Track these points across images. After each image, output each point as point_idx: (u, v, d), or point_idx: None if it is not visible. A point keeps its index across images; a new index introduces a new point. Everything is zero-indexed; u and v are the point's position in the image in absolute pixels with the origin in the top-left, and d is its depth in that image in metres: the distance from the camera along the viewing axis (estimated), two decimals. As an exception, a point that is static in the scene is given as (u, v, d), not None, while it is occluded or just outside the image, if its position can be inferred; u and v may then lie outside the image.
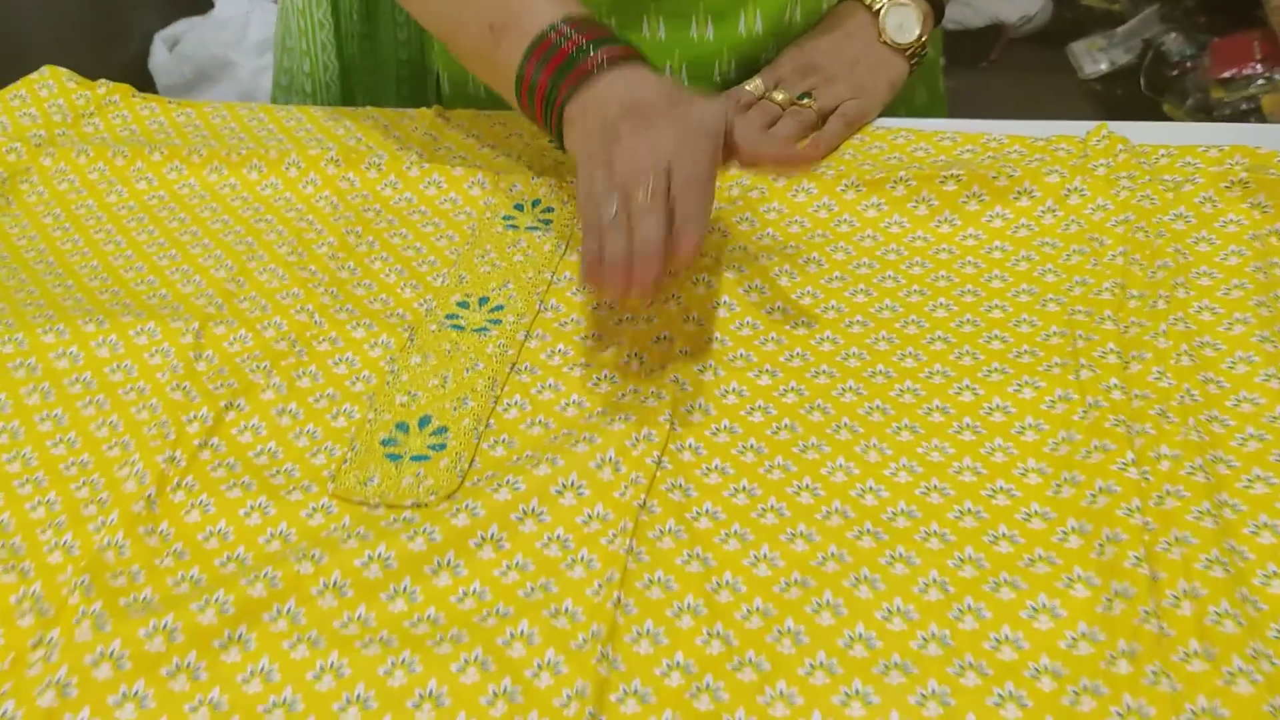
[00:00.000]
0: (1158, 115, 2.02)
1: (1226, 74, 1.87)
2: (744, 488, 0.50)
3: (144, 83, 2.04)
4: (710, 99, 0.58)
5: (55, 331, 0.60)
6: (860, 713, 0.41)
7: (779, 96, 0.72)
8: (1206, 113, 1.91)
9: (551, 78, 0.59)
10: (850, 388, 0.54)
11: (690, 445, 0.52)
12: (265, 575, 0.46)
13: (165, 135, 0.77)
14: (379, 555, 0.47)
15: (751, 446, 0.51)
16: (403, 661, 0.43)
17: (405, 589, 0.46)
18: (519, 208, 0.68)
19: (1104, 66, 2.15)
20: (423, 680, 0.43)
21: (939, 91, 0.86)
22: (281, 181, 0.72)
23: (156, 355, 0.58)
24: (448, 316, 0.60)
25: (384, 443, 0.53)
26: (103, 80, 0.82)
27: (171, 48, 2.13)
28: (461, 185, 0.70)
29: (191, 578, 0.47)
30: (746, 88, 0.73)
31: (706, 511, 0.49)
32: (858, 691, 0.41)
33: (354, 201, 0.70)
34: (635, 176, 0.53)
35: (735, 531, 0.48)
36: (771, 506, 0.49)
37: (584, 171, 0.56)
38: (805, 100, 0.72)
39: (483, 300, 0.61)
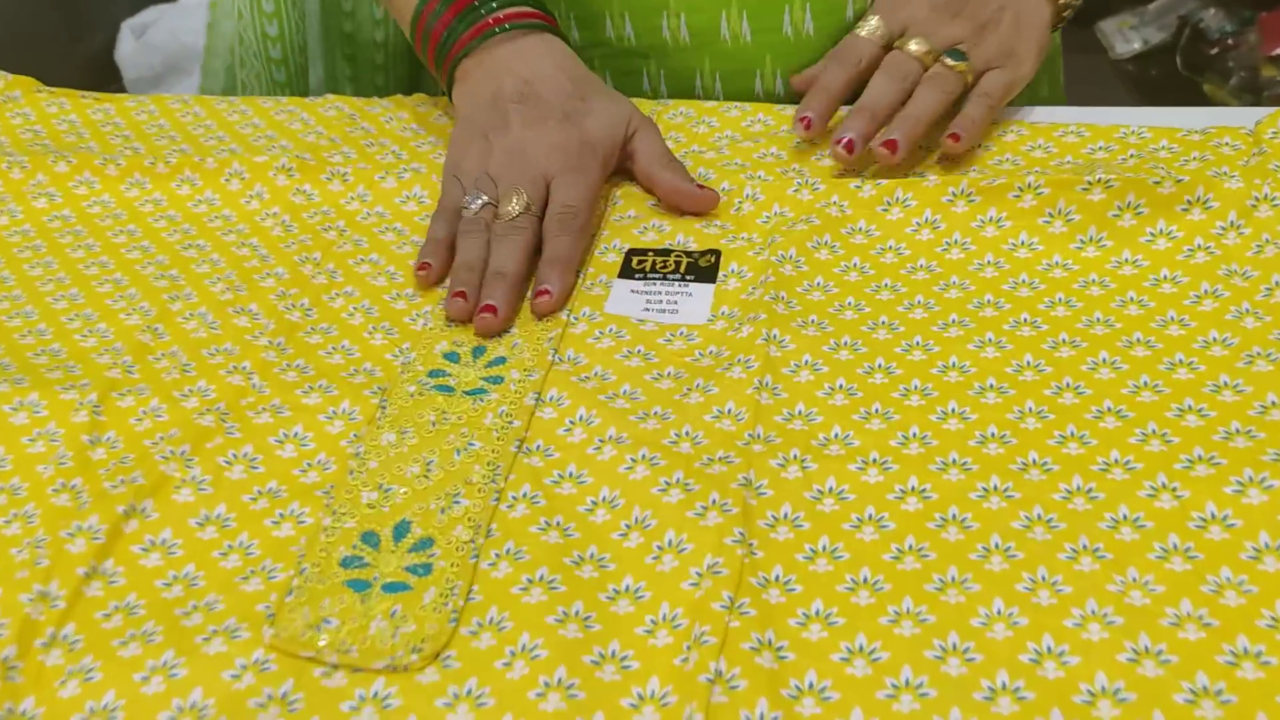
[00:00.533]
0: (1198, 97, 1.87)
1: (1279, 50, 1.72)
2: (864, 648, 0.35)
3: (110, 75, 1.89)
4: (614, 101, 0.55)
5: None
6: None
7: (916, 48, 0.53)
8: (1255, 93, 1.76)
9: (450, 26, 0.55)
10: (995, 487, 0.39)
11: (779, 578, 0.37)
12: None
13: (78, 137, 0.62)
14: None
15: (867, 582, 0.37)
16: None
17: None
18: (521, 224, 0.53)
19: (1137, 46, 2.01)
20: None
21: (1059, 84, 0.70)
22: (219, 196, 0.57)
23: (39, 442, 0.43)
24: (431, 374, 0.45)
25: (345, 563, 0.38)
26: (0, 73, 0.66)
27: (139, 36, 1.97)
28: (447, 196, 0.55)
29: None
30: (861, 33, 0.55)
31: (818, 687, 0.34)
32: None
33: (311, 220, 0.55)
34: (510, 180, 0.51)
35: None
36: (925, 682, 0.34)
37: (461, 135, 0.54)
38: (956, 63, 0.53)
39: (478, 351, 0.46)
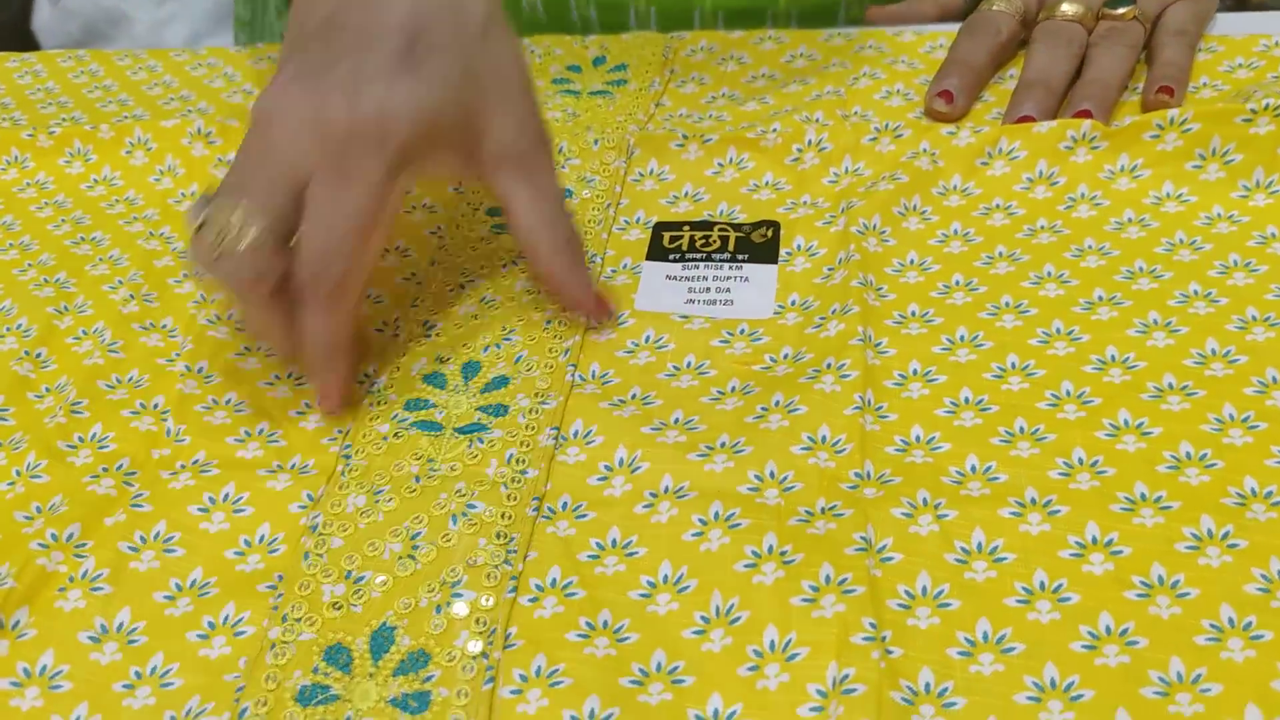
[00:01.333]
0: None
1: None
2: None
3: (27, 44, 1.73)
4: (504, 36, 0.33)
5: None
6: None
7: (1070, 9, 0.42)
8: None
9: None
10: (1210, 534, 0.28)
11: (932, 689, 0.26)
12: None
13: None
14: None
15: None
16: None
17: None
18: (513, 195, 0.41)
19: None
20: None
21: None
22: (120, 174, 0.44)
23: None
24: (410, 405, 0.33)
25: (303, 697, 0.26)
26: None
27: (56, 3, 1.81)
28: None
29: None
30: (994, 7, 0.44)
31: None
32: None
33: (239, 200, 0.42)
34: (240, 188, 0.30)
35: None
36: None
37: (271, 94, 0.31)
38: (1125, 9, 0.42)
39: (469, 368, 0.35)
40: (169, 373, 0.35)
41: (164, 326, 0.37)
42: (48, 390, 0.35)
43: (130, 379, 0.35)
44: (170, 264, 0.40)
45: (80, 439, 0.33)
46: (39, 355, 0.36)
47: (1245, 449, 0.29)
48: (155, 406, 0.34)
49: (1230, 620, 0.26)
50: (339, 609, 0.28)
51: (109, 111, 0.47)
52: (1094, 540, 0.28)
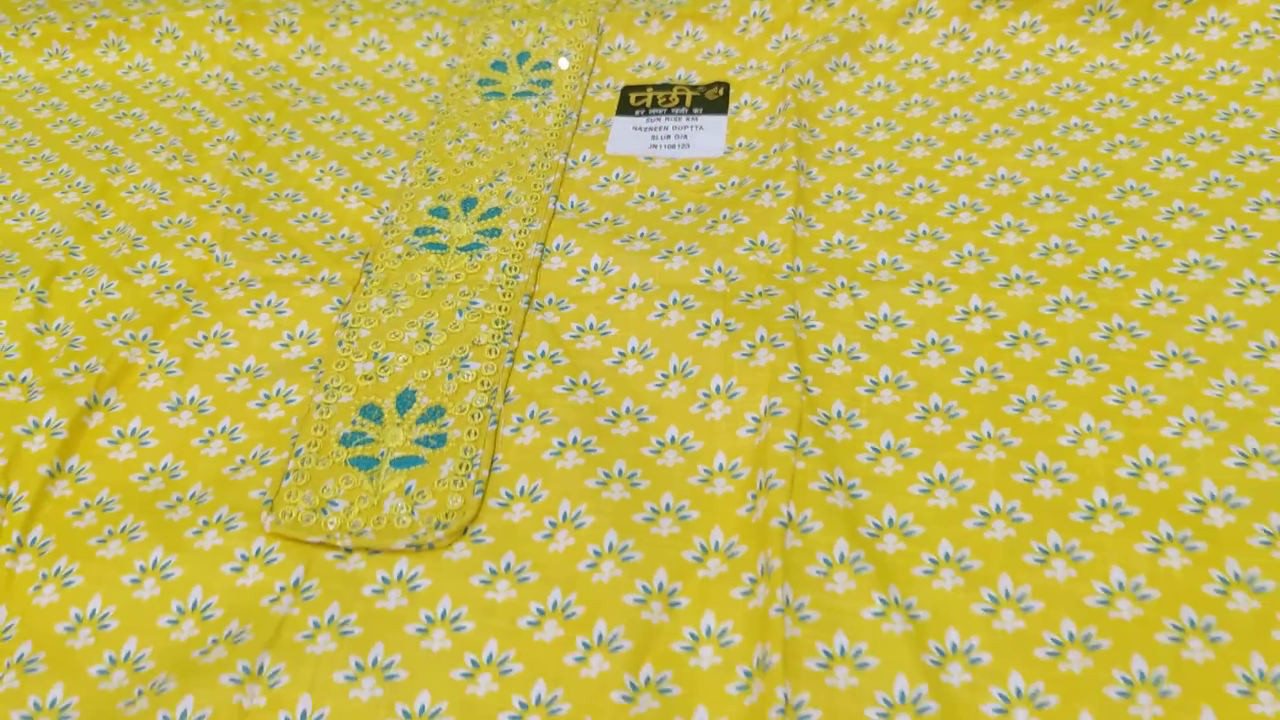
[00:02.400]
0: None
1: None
2: (945, 478, 0.31)
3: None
4: None
5: None
6: None
7: None
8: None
9: None
10: (1068, 299, 0.35)
11: (840, 414, 0.33)
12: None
13: (-18, 11, 0.54)
14: (375, 661, 0.28)
15: (939, 408, 0.33)
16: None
17: (422, 711, 0.27)
18: (500, 66, 0.47)
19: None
20: None
21: None
22: (152, 60, 0.50)
23: (-20, 332, 0.37)
24: (419, 231, 0.40)
25: (346, 440, 0.33)
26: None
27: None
28: (412, 43, 0.49)
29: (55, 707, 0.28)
30: None
31: (893, 522, 0.30)
32: None
33: (259, 77, 0.48)
34: None
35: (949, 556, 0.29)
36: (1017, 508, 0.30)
37: None
38: None
39: (468, 203, 0.41)
40: (212, 214, 0.42)
41: (204, 180, 0.43)
42: (109, 233, 0.42)
43: (180, 220, 0.42)
44: (204, 131, 0.46)
45: (143, 266, 0.39)
46: (99, 205, 0.43)
47: (1104, 239, 0.36)
48: (204, 240, 0.40)
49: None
50: (369, 380, 0.35)
51: (135, 9, 0.53)
52: (976, 307, 0.35)
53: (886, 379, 0.33)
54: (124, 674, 0.28)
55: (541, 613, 0.29)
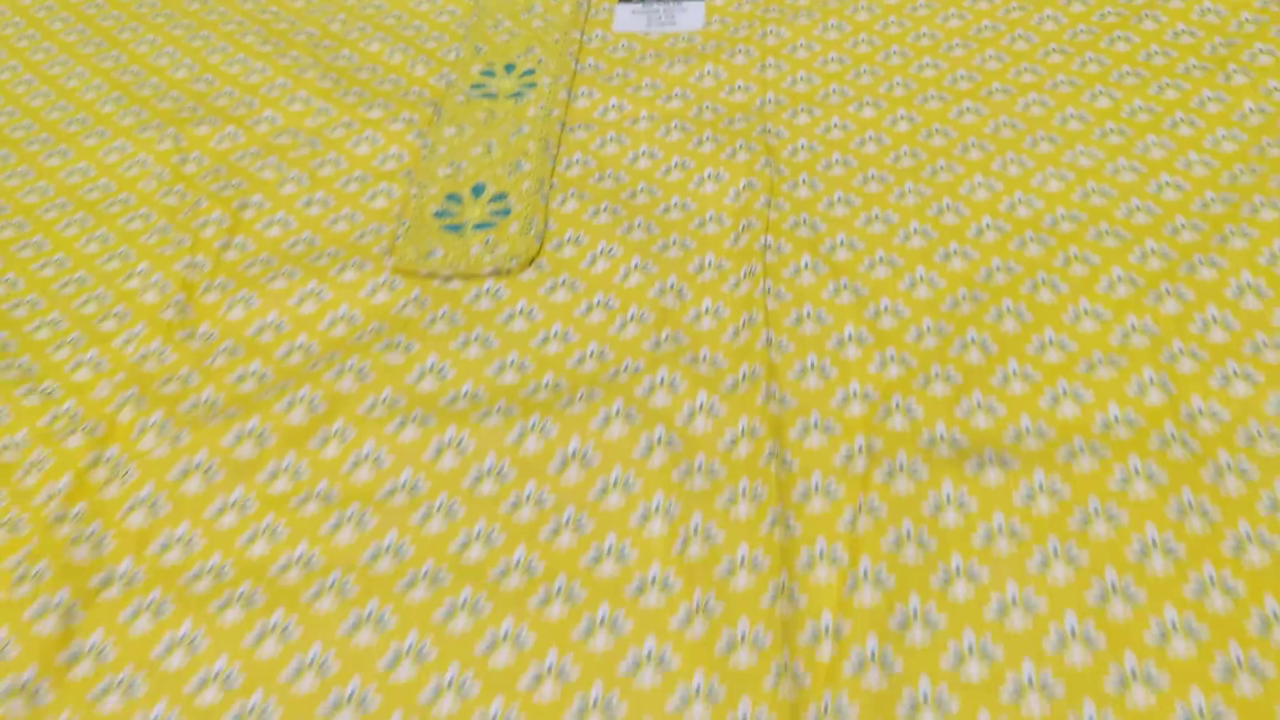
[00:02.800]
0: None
1: None
2: (877, 215, 0.43)
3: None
4: None
5: (6, 161, 0.51)
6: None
7: None
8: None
9: None
10: (968, 108, 0.48)
11: (804, 180, 0.45)
12: (350, 366, 0.39)
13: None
14: (476, 337, 0.40)
15: (873, 176, 0.45)
16: (533, 426, 0.37)
17: (513, 362, 0.39)
18: (523, -26, 0.60)
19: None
20: (563, 440, 0.36)
21: None
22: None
23: (134, 168, 0.49)
24: (474, 86, 0.52)
25: (438, 215, 0.45)
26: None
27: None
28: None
29: (256, 373, 0.40)
30: None
31: (842, 243, 0.42)
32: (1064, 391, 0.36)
33: (327, -11, 0.61)
34: None
35: (881, 258, 0.42)
36: (916, 230, 0.43)
37: None
38: None
39: (509, 67, 0.53)
40: (305, 78, 0.53)
41: (291, 55, 0.55)
42: (220, 94, 0.53)
43: (279, 84, 0.53)
44: (285, 27, 0.58)
45: (259, 118, 0.51)
46: (207, 78, 0.54)
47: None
48: (301, 96, 0.52)
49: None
50: (448, 178, 0.47)
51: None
52: (901, 115, 0.47)
53: (836, 160, 0.46)
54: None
55: (589, 306, 0.41)
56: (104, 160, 0.50)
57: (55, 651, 0.33)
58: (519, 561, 0.34)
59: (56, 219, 0.48)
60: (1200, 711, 0.28)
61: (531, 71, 0.53)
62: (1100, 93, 0.47)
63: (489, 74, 0.53)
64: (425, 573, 0.34)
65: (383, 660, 0.32)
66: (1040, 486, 0.33)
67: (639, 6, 0.56)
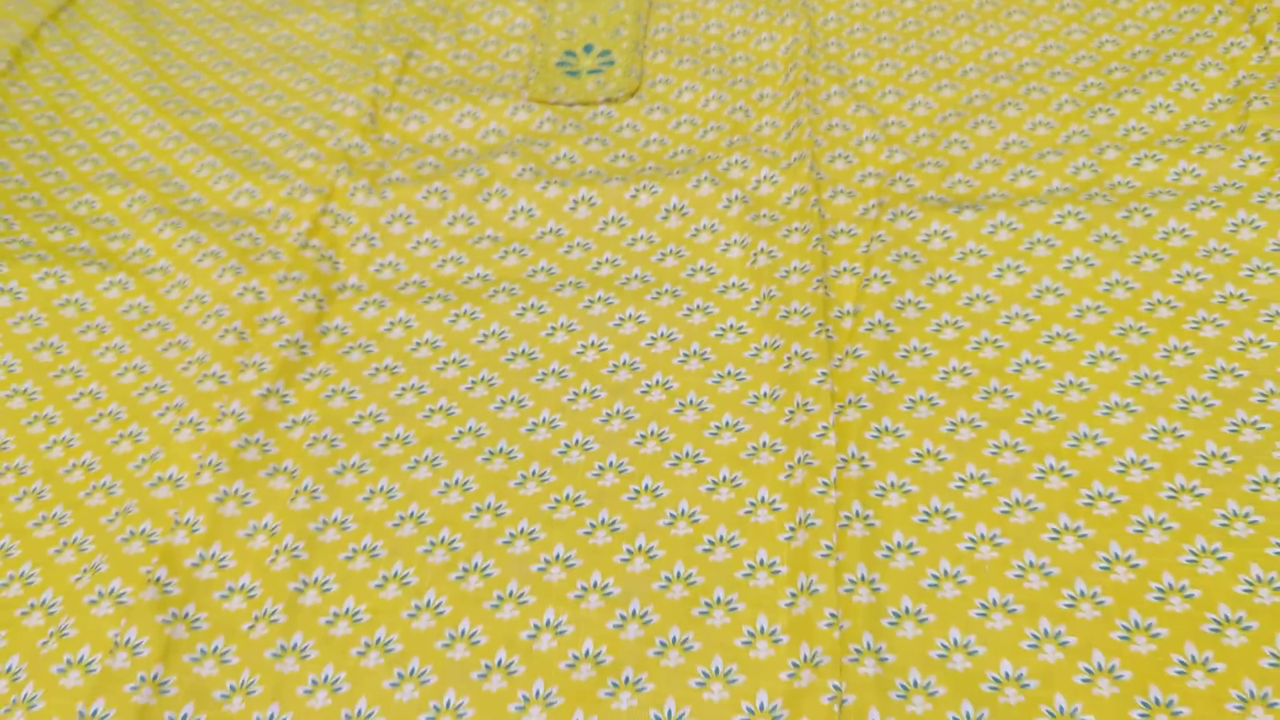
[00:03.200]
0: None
1: None
2: (888, 64, 0.58)
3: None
4: None
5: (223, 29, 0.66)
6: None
7: None
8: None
9: None
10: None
11: (833, 44, 0.60)
12: (505, 150, 0.54)
13: None
14: (595, 138, 0.55)
15: (885, 39, 0.59)
16: (644, 188, 0.52)
17: (624, 155, 0.54)
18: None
19: None
20: (666, 198, 0.51)
21: None
22: None
23: (325, 32, 0.64)
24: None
25: (558, 64, 0.60)
26: None
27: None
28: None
29: (432, 163, 0.55)
30: None
31: (861, 81, 0.57)
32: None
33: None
34: None
35: (891, 90, 0.56)
36: (916, 71, 0.57)
37: None
38: None
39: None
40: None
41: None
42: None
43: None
44: None
45: (391, 7, 0.66)
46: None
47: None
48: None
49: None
50: (565, 40, 0.61)
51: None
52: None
53: (859, 29, 0.60)
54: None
55: (679, 122, 0.55)
56: (303, 30, 0.65)
57: (314, 324, 0.48)
58: (636, 275, 0.48)
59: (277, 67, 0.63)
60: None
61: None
62: None
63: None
64: (571, 281, 0.48)
65: (543, 330, 0.46)
66: (1001, 223, 0.47)
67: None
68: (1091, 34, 0.57)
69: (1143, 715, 0.32)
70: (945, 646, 0.35)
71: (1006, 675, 0.34)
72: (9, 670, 0.38)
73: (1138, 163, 0.49)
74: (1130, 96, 0.53)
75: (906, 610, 0.36)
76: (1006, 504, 0.38)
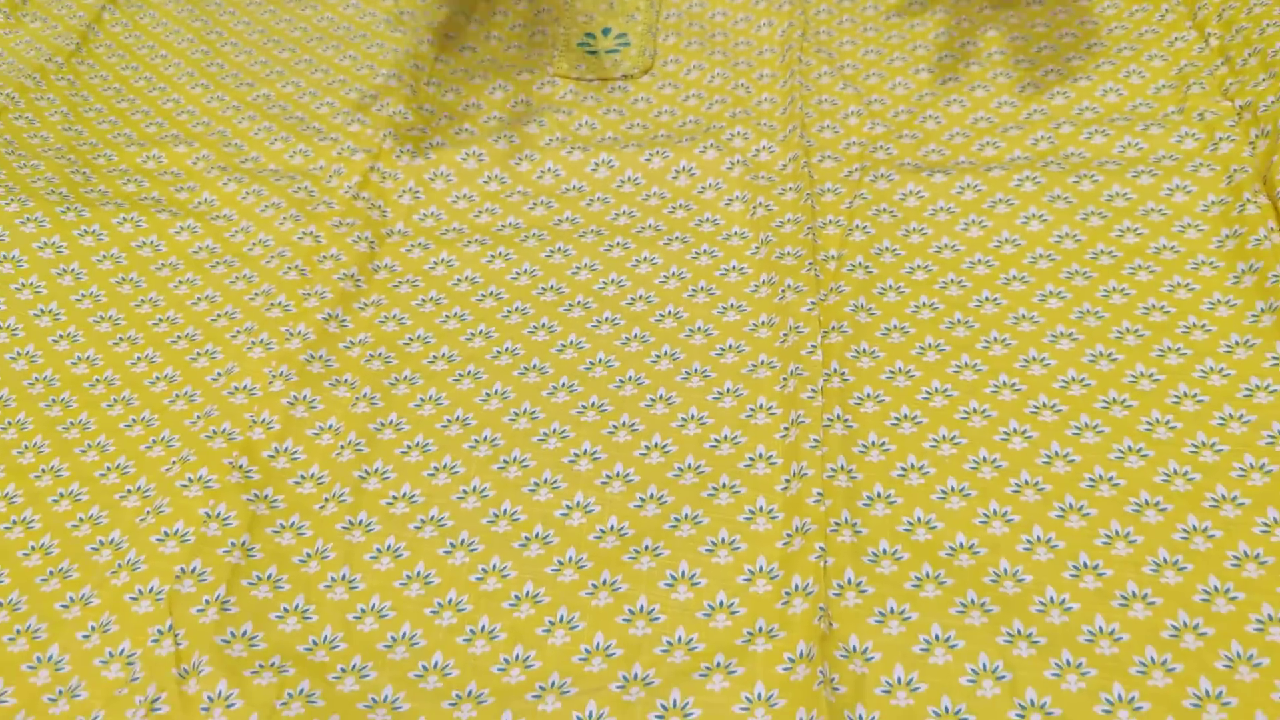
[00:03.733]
0: None
1: None
2: (871, 49, 0.65)
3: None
4: None
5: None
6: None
7: None
8: None
9: None
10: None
11: (821, 50, 0.67)
12: (533, 119, 0.61)
13: None
14: (614, 109, 0.62)
15: (871, 27, 0.67)
16: (657, 152, 0.58)
17: (639, 124, 0.61)
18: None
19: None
20: (676, 161, 0.58)
21: None
22: None
23: (365, 16, 0.71)
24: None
25: (580, 44, 0.67)
26: None
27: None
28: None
29: (467, 129, 0.61)
30: None
31: (848, 65, 0.64)
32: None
33: None
34: None
35: (875, 73, 0.63)
36: (897, 56, 0.64)
37: None
38: None
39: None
40: None
41: None
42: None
43: (457, -32, 0.75)
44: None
45: (445, -14, 0.73)
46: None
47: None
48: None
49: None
50: (585, 23, 0.68)
51: None
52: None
53: (847, 20, 0.67)
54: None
55: (688, 96, 0.62)
56: (344, 13, 0.71)
57: (366, 262, 0.54)
58: (650, 225, 0.55)
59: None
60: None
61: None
62: None
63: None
64: (593, 229, 0.55)
65: (569, 269, 0.53)
66: (967, 185, 0.54)
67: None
68: (1053, 27, 0.65)
69: (1073, 575, 0.39)
70: (910, 523, 0.41)
71: (960, 545, 0.41)
72: (111, 541, 0.44)
73: (1089, 136, 0.56)
74: (1085, 81, 0.60)
75: (878, 494, 0.42)
76: (965, 411, 0.45)
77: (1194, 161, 0.53)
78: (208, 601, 0.41)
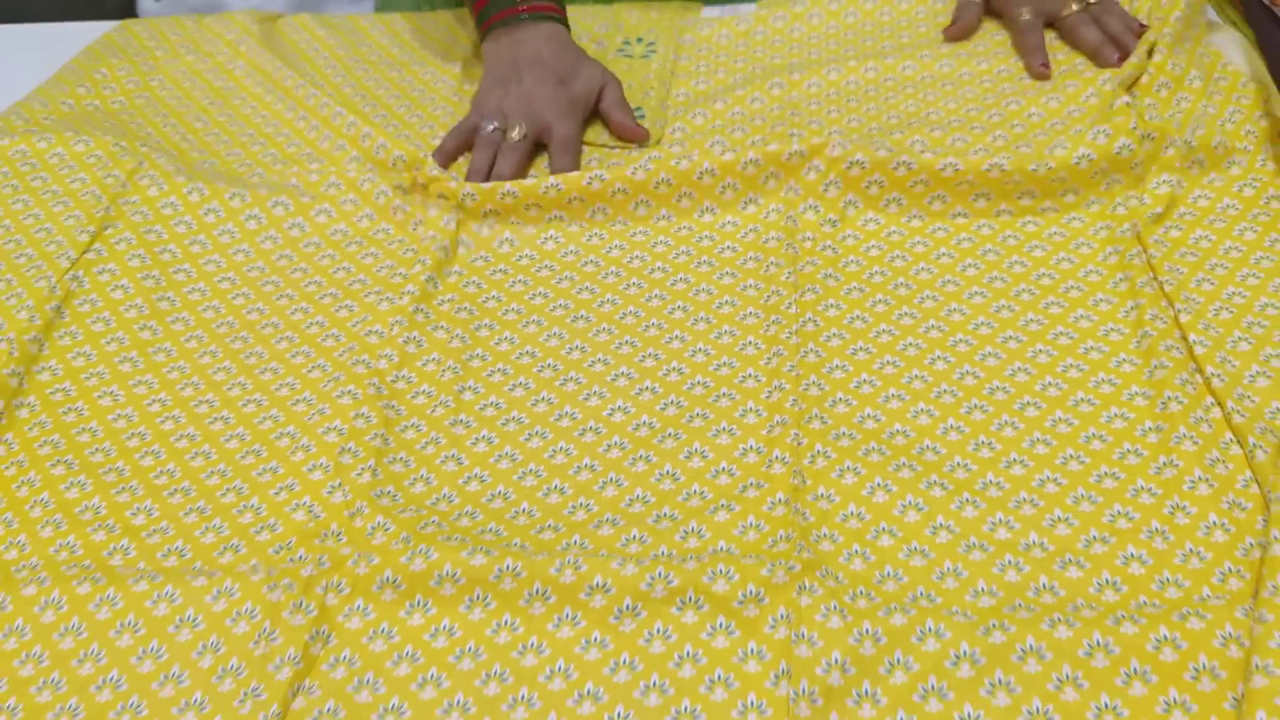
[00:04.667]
0: None
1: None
2: (841, 106, 0.83)
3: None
4: (593, 68, 0.81)
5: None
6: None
7: (1076, 6, 0.82)
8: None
9: (485, 6, 0.83)
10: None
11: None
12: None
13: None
14: (635, 165, 0.80)
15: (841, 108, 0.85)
16: (677, 205, 0.76)
17: (664, 179, 0.78)
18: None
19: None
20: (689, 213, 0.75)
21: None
22: None
23: (438, 82, 0.90)
24: (618, 50, 0.92)
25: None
26: None
27: (164, -11, 2.29)
28: None
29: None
30: (1025, 16, 0.83)
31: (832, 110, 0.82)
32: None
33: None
34: (519, 117, 0.77)
35: (853, 118, 0.81)
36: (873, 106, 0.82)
37: (486, 81, 0.81)
38: None
39: (639, 39, 0.93)
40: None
41: None
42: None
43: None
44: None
45: None
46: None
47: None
48: None
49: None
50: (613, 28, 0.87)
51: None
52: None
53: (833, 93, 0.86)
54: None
55: (697, 155, 0.80)
56: (421, 78, 0.90)
57: (455, 236, 0.72)
58: (662, 215, 0.73)
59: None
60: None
61: (653, 43, 0.93)
62: None
63: (626, 43, 0.93)
64: (620, 218, 0.72)
65: (608, 248, 0.70)
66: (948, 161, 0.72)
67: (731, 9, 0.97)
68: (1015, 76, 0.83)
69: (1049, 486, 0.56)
70: (861, 416, 0.58)
71: (897, 430, 0.57)
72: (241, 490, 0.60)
73: (1028, 133, 0.74)
74: (1033, 112, 0.78)
75: (840, 399, 0.59)
76: (905, 344, 0.62)
77: (1097, 127, 0.71)
78: (362, 469, 0.57)
